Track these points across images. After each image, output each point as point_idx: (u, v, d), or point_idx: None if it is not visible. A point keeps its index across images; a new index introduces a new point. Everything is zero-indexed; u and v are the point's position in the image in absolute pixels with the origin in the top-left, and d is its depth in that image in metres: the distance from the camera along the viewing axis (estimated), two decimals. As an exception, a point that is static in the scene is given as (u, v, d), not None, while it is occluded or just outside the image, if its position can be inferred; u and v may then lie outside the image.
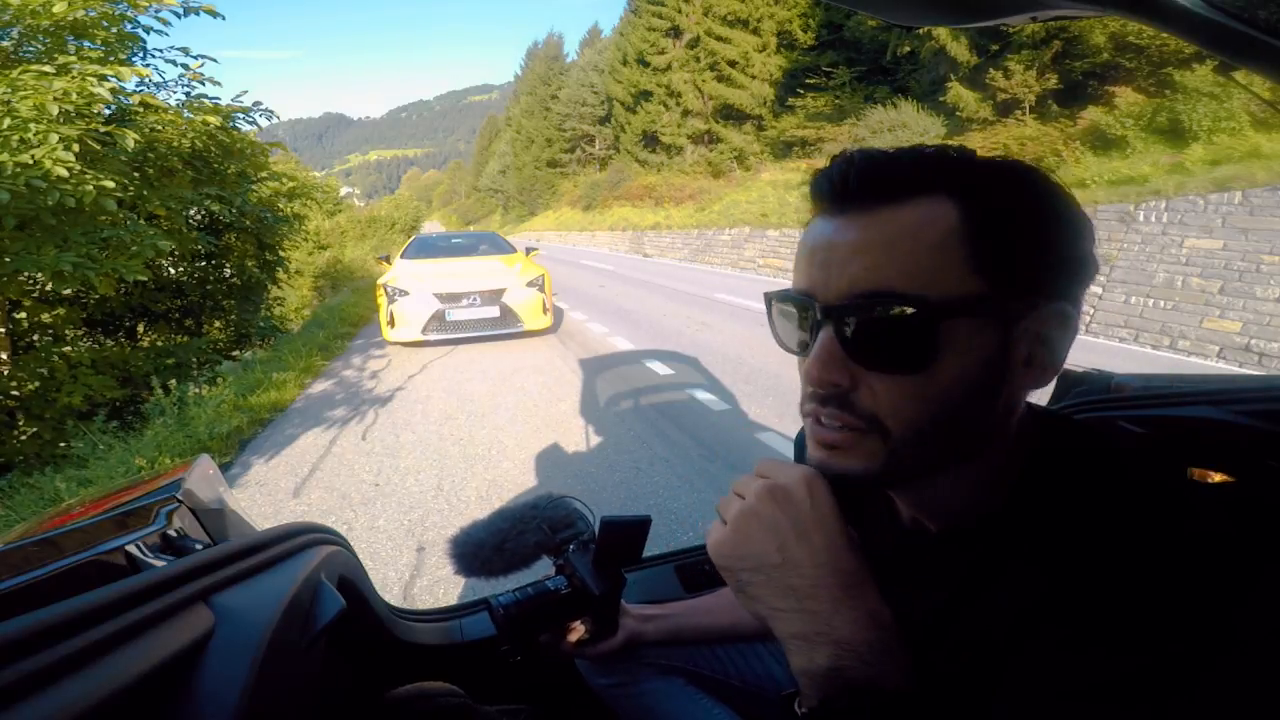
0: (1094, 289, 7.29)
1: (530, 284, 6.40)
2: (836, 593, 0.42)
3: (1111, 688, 0.35)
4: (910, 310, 0.40)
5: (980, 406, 0.43)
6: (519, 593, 0.77)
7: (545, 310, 6.44)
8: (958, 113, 13.39)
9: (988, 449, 0.45)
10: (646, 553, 0.82)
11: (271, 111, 6.60)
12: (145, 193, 5.07)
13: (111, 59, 4.79)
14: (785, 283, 0.53)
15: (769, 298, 0.50)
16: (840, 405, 0.43)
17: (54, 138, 3.80)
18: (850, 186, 0.43)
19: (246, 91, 6.33)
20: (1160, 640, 0.35)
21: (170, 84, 6.08)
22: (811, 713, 0.41)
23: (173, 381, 4.48)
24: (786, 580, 0.43)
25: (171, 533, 0.62)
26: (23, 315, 5.40)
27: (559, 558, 0.80)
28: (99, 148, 4.18)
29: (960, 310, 0.40)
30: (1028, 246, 0.41)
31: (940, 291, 0.40)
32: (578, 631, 0.82)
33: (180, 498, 0.66)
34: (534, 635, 0.77)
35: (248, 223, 7.06)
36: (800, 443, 0.71)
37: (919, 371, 0.41)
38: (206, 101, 6.10)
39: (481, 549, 0.79)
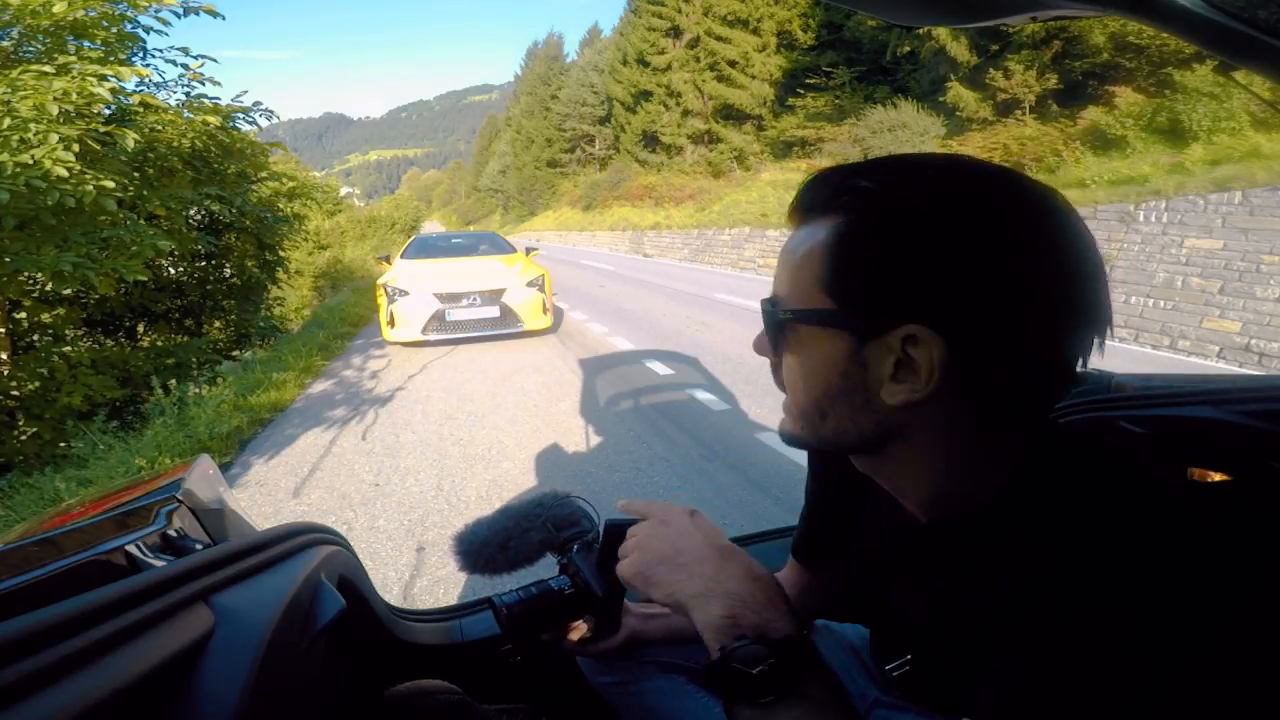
0: (1094, 289, 7.29)
1: (530, 284, 6.40)
2: (718, 559, 0.53)
3: (1106, 654, 0.36)
4: (770, 309, 0.50)
5: (854, 406, 0.47)
6: (523, 592, 0.77)
7: (545, 310, 6.44)
8: (958, 113, 13.39)
9: (910, 446, 0.47)
10: None
11: (271, 111, 6.60)
12: (145, 193, 5.07)
13: (111, 59, 4.79)
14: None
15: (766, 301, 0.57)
16: (774, 375, 0.54)
17: (54, 138, 3.80)
18: (794, 204, 0.50)
19: (246, 91, 6.34)
20: (1156, 615, 0.36)
21: (170, 84, 6.09)
22: (712, 663, 0.46)
23: (173, 381, 4.48)
24: (679, 560, 0.54)
25: (171, 533, 0.62)
26: (23, 315, 5.40)
27: (563, 556, 0.80)
28: (99, 148, 4.19)
29: (803, 319, 0.47)
30: (888, 270, 0.42)
31: (795, 302, 0.48)
32: (580, 629, 0.82)
33: (180, 498, 0.66)
34: (537, 634, 0.78)
35: (248, 223, 7.06)
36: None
37: (777, 359, 0.52)
38: (206, 101, 6.11)
39: (486, 546, 0.79)
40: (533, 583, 0.79)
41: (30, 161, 3.67)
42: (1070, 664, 0.37)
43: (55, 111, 3.86)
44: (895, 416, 0.45)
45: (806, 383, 0.49)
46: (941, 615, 0.50)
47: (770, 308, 0.50)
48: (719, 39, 22.29)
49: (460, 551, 0.80)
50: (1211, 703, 0.34)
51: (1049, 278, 0.41)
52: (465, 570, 0.80)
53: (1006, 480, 0.46)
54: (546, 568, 0.82)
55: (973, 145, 12.04)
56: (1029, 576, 0.42)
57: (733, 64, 22.09)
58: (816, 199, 0.47)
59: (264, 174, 7.28)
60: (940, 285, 0.41)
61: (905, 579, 0.56)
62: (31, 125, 3.79)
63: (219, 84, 6.08)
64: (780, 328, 0.50)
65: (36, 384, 4.88)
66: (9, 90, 3.88)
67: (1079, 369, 0.45)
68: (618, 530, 0.73)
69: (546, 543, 0.80)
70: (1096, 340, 0.44)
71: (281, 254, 8.27)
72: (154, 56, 5.74)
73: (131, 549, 0.56)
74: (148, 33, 5.37)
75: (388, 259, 7.56)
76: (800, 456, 0.77)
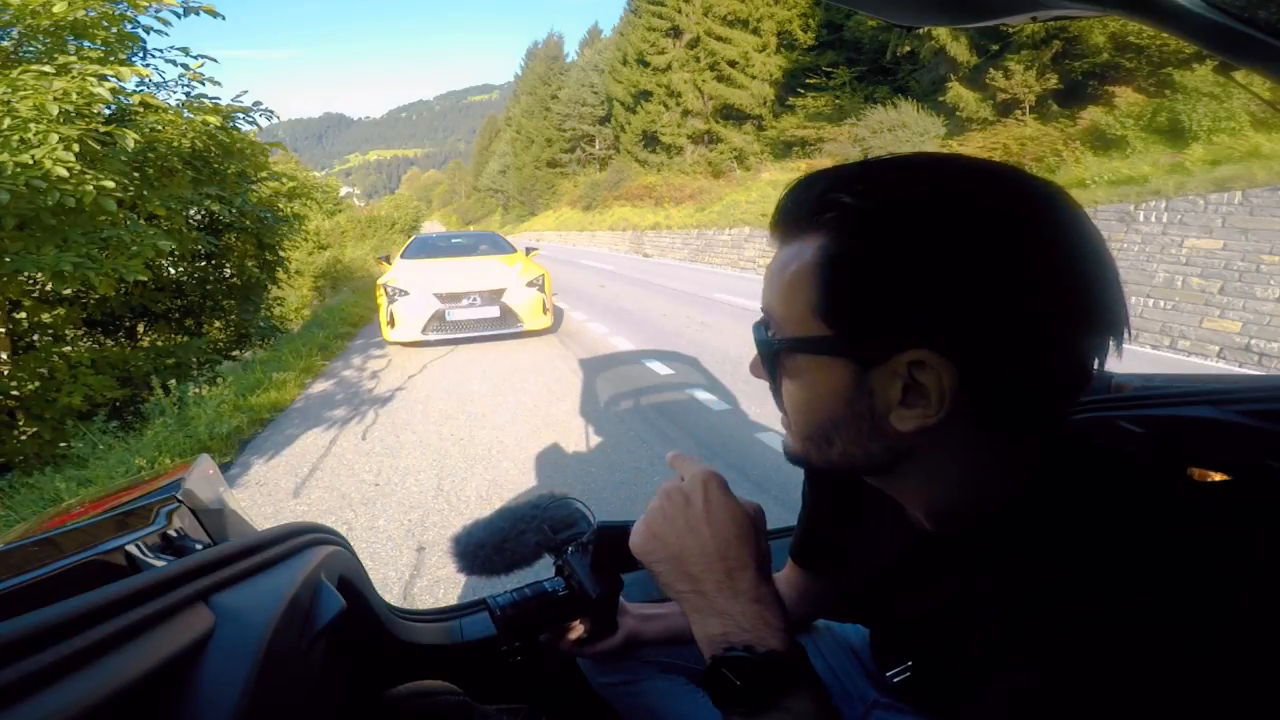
0: (1094, 289, 7.29)
1: (530, 284, 6.40)
2: (720, 576, 0.49)
3: (1112, 661, 0.36)
4: (764, 337, 0.48)
5: (861, 432, 0.45)
6: (516, 593, 0.77)
7: (545, 310, 6.44)
8: (958, 113, 13.39)
9: (922, 463, 0.45)
10: None
11: (271, 111, 6.60)
12: (145, 193, 5.07)
13: (111, 59, 4.79)
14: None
15: None
16: (774, 397, 0.51)
17: (54, 138, 3.80)
18: (775, 218, 0.47)
19: (246, 91, 6.34)
20: (1161, 628, 0.36)
21: (170, 84, 6.09)
22: (705, 669, 0.47)
23: (173, 381, 4.47)
24: (684, 568, 0.51)
25: (171, 533, 0.62)
26: (23, 315, 5.39)
27: (558, 558, 0.80)
28: (99, 148, 4.18)
29: (800, 348, 0.45)
30: (884, 293, 0.40)
31: (790, 329, 0.45)
32: (577, 630, 0.82)
33: (180, 498, 0.66)
34: (532, 635, 0.78)
35: (248, 223, 7.06)
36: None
37: (775, 384, 0.48)
38: (206, 101, 6.11)
39: (482, 548, 0.79)
40: (527, 584, 0.79)
41: (30, 161, 3.67)
42: (1072, 677, 0.37)
43: (55, 111, 3.86)
44: (907, 440, 0.43)
45: (809, 410, 0.47)
46: (945, 623, 0.50)
47: (764, 334, 0.48)
48: (719, 39, 22.27)
49: (458, 553, 0.81)
50: (1214, 711, 0.34)
51: (1060, 286, 0.39)
52: (463, 572, 0.80)
53: (1019, 490, 0.45)
54: (545, 569, 0.82)
55: (973, 145, 12.04)
56: (1035, 588, 0.41)
57: (733, 64, 22.07)
58: (800, 214, 0.44)
59: (264, 174, 7.28)
60: (943, 305, 0.38)
61: (909, 585, 0.55)
62: (31, 125, 3.79)
63: (219, 84, 6.08)
64: (776, 356, 0.47)
65: (36, 384, 4.88)
66: (9, 90, 3.88)
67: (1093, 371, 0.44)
68: (609, 534, 0.73)
69: (543, 544, 0.80)
70: (1114, 342, 0.41)
71: (281, 254, 8.27)
72: (154, 56, 5.75)
73: (131, 549, 0.56)
74: (148, 33, 5.38)
75: (388, 259, 7.56)
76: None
